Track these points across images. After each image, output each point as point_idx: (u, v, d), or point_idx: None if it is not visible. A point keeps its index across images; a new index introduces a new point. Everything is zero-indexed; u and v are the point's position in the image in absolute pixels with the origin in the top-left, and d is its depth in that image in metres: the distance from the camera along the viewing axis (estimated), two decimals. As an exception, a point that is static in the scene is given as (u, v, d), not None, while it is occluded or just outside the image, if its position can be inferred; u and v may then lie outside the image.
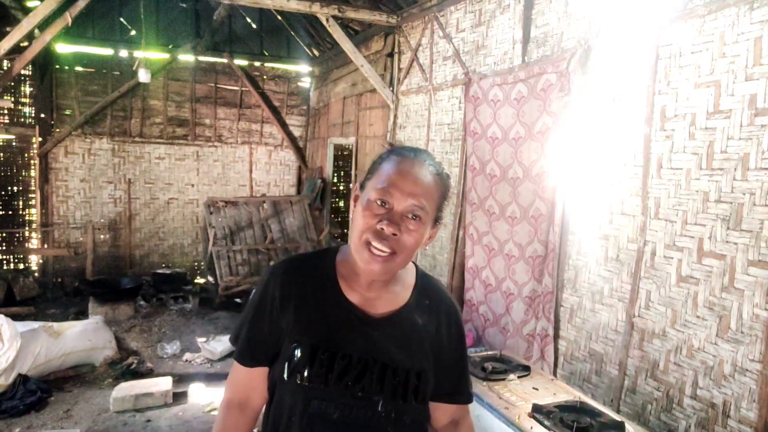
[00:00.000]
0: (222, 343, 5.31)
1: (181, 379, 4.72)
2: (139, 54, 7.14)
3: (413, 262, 1.32)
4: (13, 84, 7.10)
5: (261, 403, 1.27)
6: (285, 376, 1.17)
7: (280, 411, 1.19)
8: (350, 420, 1.16)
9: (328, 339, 1.17)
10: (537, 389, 2.77)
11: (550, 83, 3.55)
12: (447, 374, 1.29)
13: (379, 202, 1.13)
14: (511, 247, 3.95)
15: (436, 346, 1.26)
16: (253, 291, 1.26)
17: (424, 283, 1.30)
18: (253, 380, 1.25)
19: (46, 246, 7.56)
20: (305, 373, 1.15)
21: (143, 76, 6.32)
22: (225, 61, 8.28)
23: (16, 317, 4.88)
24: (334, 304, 1.20)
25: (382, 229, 1.11)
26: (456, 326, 1.31)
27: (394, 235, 1.11)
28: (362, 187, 1.21)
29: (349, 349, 1.17)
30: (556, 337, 3.56)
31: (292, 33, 8.61)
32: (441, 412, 1.33)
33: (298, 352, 1.16)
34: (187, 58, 8.02)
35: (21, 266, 7.57)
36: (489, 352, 3.20)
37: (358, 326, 1.19)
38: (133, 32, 7.78)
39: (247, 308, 1.27)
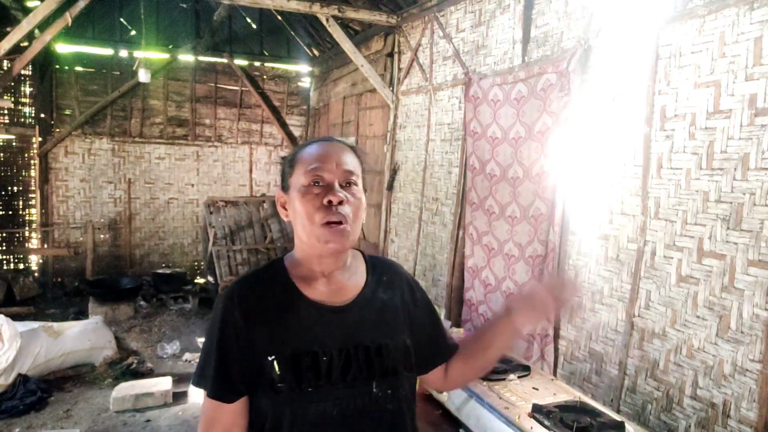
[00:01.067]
0: (222, 343, 5.30)
1: (181, 379, 4.71)
2: (139, 54, 7.13)
3: (357, 249, 1.34)
4: (13, 84, 7.09)
5: None
6: (274, 392, 1.14)
7: (279, 430, 1.16)
8: (350, 411, 1.16)
9: (305, 342, 1.16)
10: (537, 389, 2.77)
11: (550, 83, 3.55)
12: (427, 339, 1.33)
13: (313, 183, 1.15)
14: (511, 247, 3.95)
15: (407, 316, 1.29)
16: (209, 324, 1.20)
17: (374, 262, 1.33)
18: (235, 415, 1.17)
19: (46, 246, 7.56)
20: (294, 383, 1.13)
21: (143, 76, 6.32)
22: (225, 61, 8.27)
23: (16, 317, 4.87)
24: (299, 307, 1.19)
25: (330, 201, 1.13)
26: (418, 291, 1.35)
27: (341, 204, 1.13)
28: (285, 189, 1.23)
29: (328, 344, 1.17)
30: (556, 337, 3.56)
31: (292, 33, 8.61)
32: (437, 371, 1.37)
33: (280, 365, 1.14)
34: (187, 58, 8.02)
35: (21, 266, 7.57)
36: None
37: (330, 320, 1.19)
38: (133, 32, 7.78)
39: (207, 342, 1.19)
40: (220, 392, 1.16)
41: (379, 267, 1.32)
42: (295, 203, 1.17)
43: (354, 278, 1.26)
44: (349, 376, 1.16)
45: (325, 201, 1.13)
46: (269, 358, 1.14)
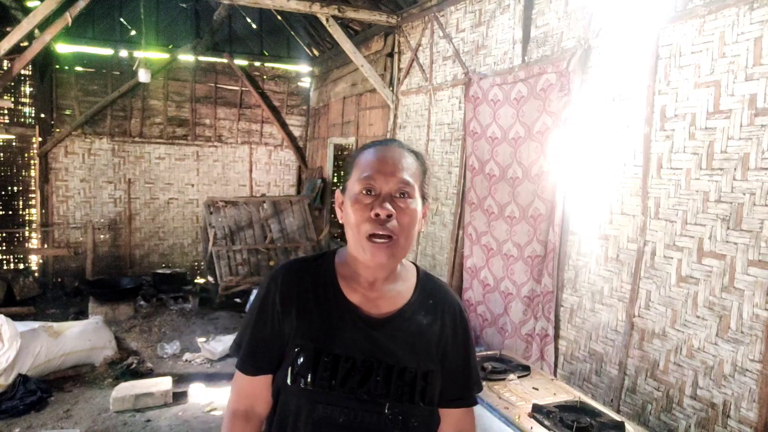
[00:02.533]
0: (222, 343, 5.31)
1: (181, 379, 4.72)
2: (139, 54, 7.14)
3: (413, 262, 1.31)
4: (13, 84, 7.10)
5: (266, 410, 1.24)
6: (289, 381, 1.15)
7: (285, 417, 1.18)
8: (356, 424, 1.14)
9: (331, 342, 1.16)
10: (537, 389, 2.77)
11: (550, 83, 3.55)
12: (452, 377, 1.26)
13: (365, 192, 1.13)
14: (510, 247, 3.95)
15: (441, 348, 1.24)
16: (253, 297, 1.24)
17: (426, 282, 1.28)
18: (257, 388, 1.22)
19: (46, 246, 7.56)
20: (309, 378, 1.14)
21: (143, 76, 6.32)
22: (225, 61, 8.28)
23: (16, 317, 4.87)
24: (336, 306, 1.19)
25: (377, 214, 1.10)
26: (461, 327, 1.27)
27: (389, 217, 1.10)
28: (343, 190, 1.21)
29: (353, 351, 1.16)
30: (557, 337, 3.56)
31: (292, 33, 8.61)
32: (448, 419, 1.30)
33: (301, 357, 1.15)
34: (187, 58, 8.02)
35: (21, 266, 7.57)
36: (489, 352, 3.20)
37: (361, 328, 1.18)
38: (133, 32, 7.78)
39: (248, 315, 1.24)
40: (246, 366, 1.22)
41: (429, 288, 1.27)
42: (346, 209, 1.16)
43: (399, 291, 1.23)
44: (365, 389, 1.14)
45: (372, 214, 1.11)
46: (295, 348, 1.16)
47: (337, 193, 1.23)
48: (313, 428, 1.14)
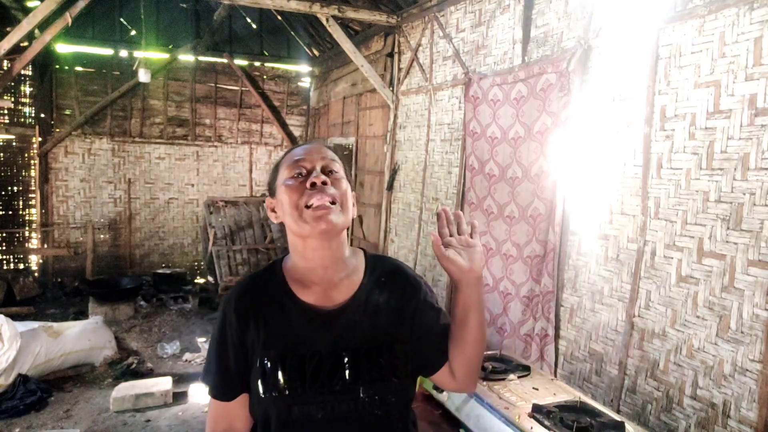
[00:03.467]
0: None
1: (181, 379, 4.72)
2: (139, 54, 7.14)
3: (362, 248, 1.33)
4: (13, 84, 7.10)
5: (246, 427, 1.24)
6: (261, 392, 1.16)
7: (266, 426, 1.19)
8: (335, 416, 1.15)
9: (293, 344, 1.17)
10: (537, 389, 2.77)
11: (550, 83, 3.55)
12: (432, 340, 1.27)
13: (296, 175, 1.17)
14: (509, 247, 3.95)
15: (408, 318, 1.25)
16: (214, 324, 1.26)
17: (375, 262, 1.30)
18: (233, 410, 1.22)
19: (46, 246, 7.56)
20: (280, 383, 1.15)
21: (143, 76, 6.32)
22: (225, 61, 8.27)
23: (16, 317, 4.88)
24: (292, 308, 1.20)
25: (313, 183, 1.14)
26: (423, 291, 1.29)
27: (324, 184, 1.14)
28: (272, 193, 1.25)
29: (317, 347, 1.17)
30: (557, 336, 3.56)
31: (292, 33, 8.61)
32: (445, 372, 1.30)
33: (267, 366, 1.16)
34: (187, 58, 8.02)
35: (21, 266, 7.57)
36: (488, 352, 3.20)
37: (321, 322, 1.19)
38: (133, 32, 7.78)
39: (211, 342, 1.25)
40: (218, 390, 1.22)
41: (379, 267, 1.29)
42: (281, 198, 1.19)
43: (350, 278, 1.24)
44: (336, 380, 1.16)
45: (308, 184, 1.14)
46: (259, 360, 1.17)
47: (267, 199, 1.27)
48: (294, 431, 1.16)
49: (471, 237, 1.17)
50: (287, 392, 1.15)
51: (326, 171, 1.18)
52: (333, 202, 1.14)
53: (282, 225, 1.23)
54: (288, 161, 1.21)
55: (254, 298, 1.22)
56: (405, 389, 1.24)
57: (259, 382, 1.16)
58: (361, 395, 1.16)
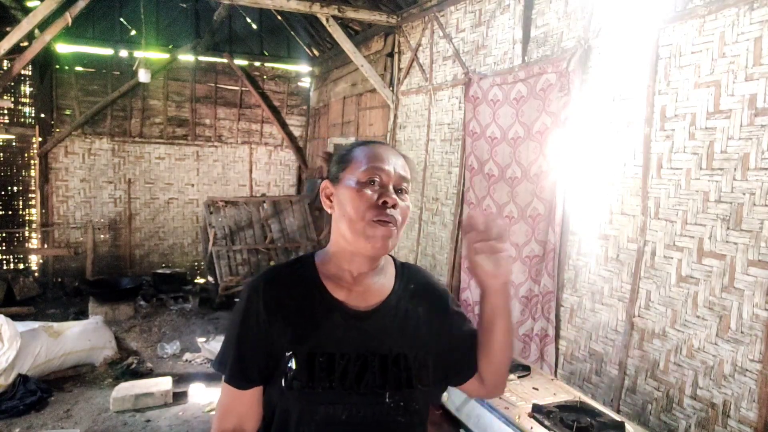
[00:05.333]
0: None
1: (181, 379, 4.72)
2: (139, 54, 7.14)
3: (389, 254, 1.31)
4: (13, 84, 7.10)
5: (255, 429, 1.23)
6: (286, 386, 1.14)
7: (286, 426, 1.17)
8: (359, 418, 1.15)
9: (323, 342, 1.16)
10: (537, 389, 2.77)
11: (550, 83, 3.55)
12: (462, 350, 1.26)
13: (370, 181, 1.14)
14: (508, 247, 3.94)
15: (435, 329, 1.24)
16: (234, 310, 1.22)
17: (405, 269, 1.30)
18: (246, 405, 1.20)
19: (46, 246, 7.56)
20: (306, 381, 1.13)
21: (143, 76, 6.32)
22: (225, 61, 8.28)
23: (16, 317, 4.87)
24: (323, 306, 1.19)
25: (385, 202, 1.12)
26: (452, 302, 1.30)
27: (394, 207, 1.13)
28: (334, 181, 1.20)
29: (346, 347, 1.16)
30: (557, 337, 3.56)
31: (292, 33, 8.61)
32: (474, 381, 1.30)
33: (293, 362, 1.14)
34: (187, 58, 8.02)
35: (21, 266, 7.57)
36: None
37: (351, 323, 1.18)
38: (133, 32, 7.78)
39: (230, 329, 1.21)
40: (236, 379, 1.18)
41: (408, 274, 1.29)
42: (345, 197, 1.15)
43: (382, 283, 1.24)
44: (363, 382, 1.15)
45: (380, 201, 1.12)
46: (287, 354, 1.15)
47: (325, 182, 1.22)
48: (316, 430, 1.14)
49: (498, 242, 1.15)
50: (314, 390, 1.13)
51: (398, 189, 1.16)
52: (395, 225, 1.13)
53: (322, 216, 1.20)
54: (366, 160, 1.16)
55: (285, 289, 1.19)
56: (430, 397, 1.24)
57: (287, 376, 1.14)
58: (387, 400, 1.16)
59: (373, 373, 1.15)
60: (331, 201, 1.20)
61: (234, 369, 1.18)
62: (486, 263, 1.13)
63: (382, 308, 1.21)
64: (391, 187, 1.14)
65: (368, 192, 1.13)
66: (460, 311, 1.31)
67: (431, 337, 1.24)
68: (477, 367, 1.27)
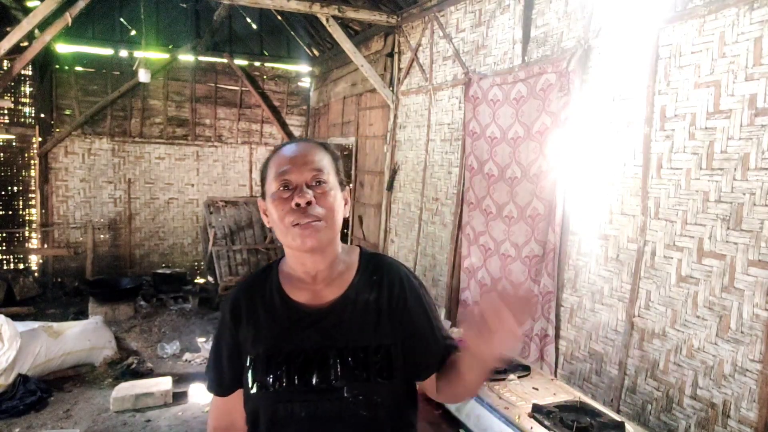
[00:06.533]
0: (222, 343, 5.30)
1: (181, 379, 4.72)
2: (139, 54, 7.14)
3: (358, 246, 1.33)
4: (13, 84, 7.09)
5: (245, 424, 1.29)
6: (251, 389, 1.19)
7: (257, 425, 1.22)
8: (318, 414, 1.16)
9: (281, 342, 1.19)
10: (537, 389, 2.77)
11: (550, 83, 3.55)
12: (420, 343, 1.23)
13: (282, 188, 1.17)
14: (508, 247, 3.95)
15: (398, 316, 1.22)
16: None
17: (368, 260, 1.29)
18: (232, 405, 1.27)
19: (46, 246, 7.56)
20: (267, 381, 1.17)
21: (143, 76, 6.32)
22: (225, 61, 8.27)
23: (16, 317, 4.87)
24: (282, 308, 1.22)
25: (297, 204, 1.14)
26: (411, 291, 1.25)
27: (309, 204, 1.14)
28: (264, 196, 1.24)
29: (304, 346, 1.18)
30: (557, 337, 3.56)
31: (292, 33, 8.61)
32: (433, 379, 1.28)
33: (256, 364, 1.20)
34: (187, 58, 8.02)
35: (21, 266, 7.57)
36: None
37: (309, 321, 1.20)
38: (133, 32, 7.78)
39: (212, 342, 1.32)
40: (213, 388, 1.30)
41: (371, 266, 1.27)
42: (270, 209, 1.20)
43: (342, 277, 1.25)
44: (320, 378, 1.16)
45: (293, 204, 1.14)
46: (248, 357, 1.21)
47: (259, 201, 1.27)
48: (281, 428, 1.17)
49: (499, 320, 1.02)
50: (272, 389, 1.17)
51: (314, 183, 1.17)
52: (319, 220, 1.15)
53: None
54: (275, 168, 1.20)
55: (249, 297, 1.26)
56: (394, 391, 1.21)
57: (249, 378, 1.20)
58: (345, 395, 1.16)
59: (330, 368, 1.17)
60: (267, 216, 1.24)
61: (212, 378, 1.29)
62: (488, 339, 1.04)
63: (340, 302, 1.22)
64: (303, 186, 1.16)
65: (283, 198, 1.16)
66: (425, 304, 1.27)
67: (392, 327, 1.22)
68: (434, 370, 1.26)
